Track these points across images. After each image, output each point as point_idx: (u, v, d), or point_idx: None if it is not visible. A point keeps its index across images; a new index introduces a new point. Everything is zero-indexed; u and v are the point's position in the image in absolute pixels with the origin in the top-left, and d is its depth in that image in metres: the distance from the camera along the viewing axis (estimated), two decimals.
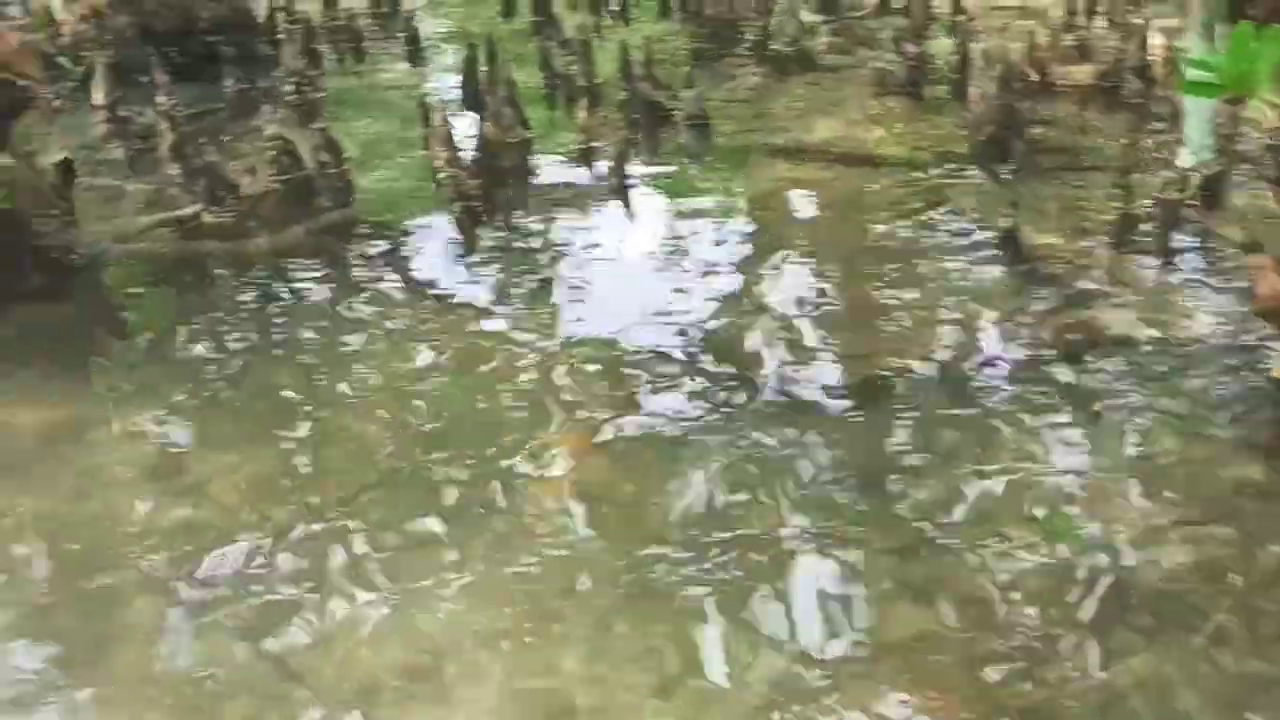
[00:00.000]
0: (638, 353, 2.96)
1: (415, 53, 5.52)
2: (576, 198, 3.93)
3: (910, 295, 3.19)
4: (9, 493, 2.55)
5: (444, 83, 5.14)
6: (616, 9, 5.89)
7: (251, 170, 4.07)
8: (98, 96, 4.66)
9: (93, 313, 3.36)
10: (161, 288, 3.50)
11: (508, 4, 6.26)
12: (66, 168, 3.43)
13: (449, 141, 3.87)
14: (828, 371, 2.87)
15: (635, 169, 3.97)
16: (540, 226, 3.73)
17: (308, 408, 2.84)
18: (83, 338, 3.25)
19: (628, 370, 2.89)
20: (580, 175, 4.09)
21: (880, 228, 3.61)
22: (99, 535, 2.42)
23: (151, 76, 4.80)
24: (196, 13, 5.34)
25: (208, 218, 3.75)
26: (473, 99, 4.76)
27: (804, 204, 3.89)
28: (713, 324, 3.10)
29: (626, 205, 3.83)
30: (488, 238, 3.67)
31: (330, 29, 5.98)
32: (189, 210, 3.83)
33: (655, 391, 2.79)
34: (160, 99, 4.70)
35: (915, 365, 2.84)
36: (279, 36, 5.73)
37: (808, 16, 5.34)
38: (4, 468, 2.65)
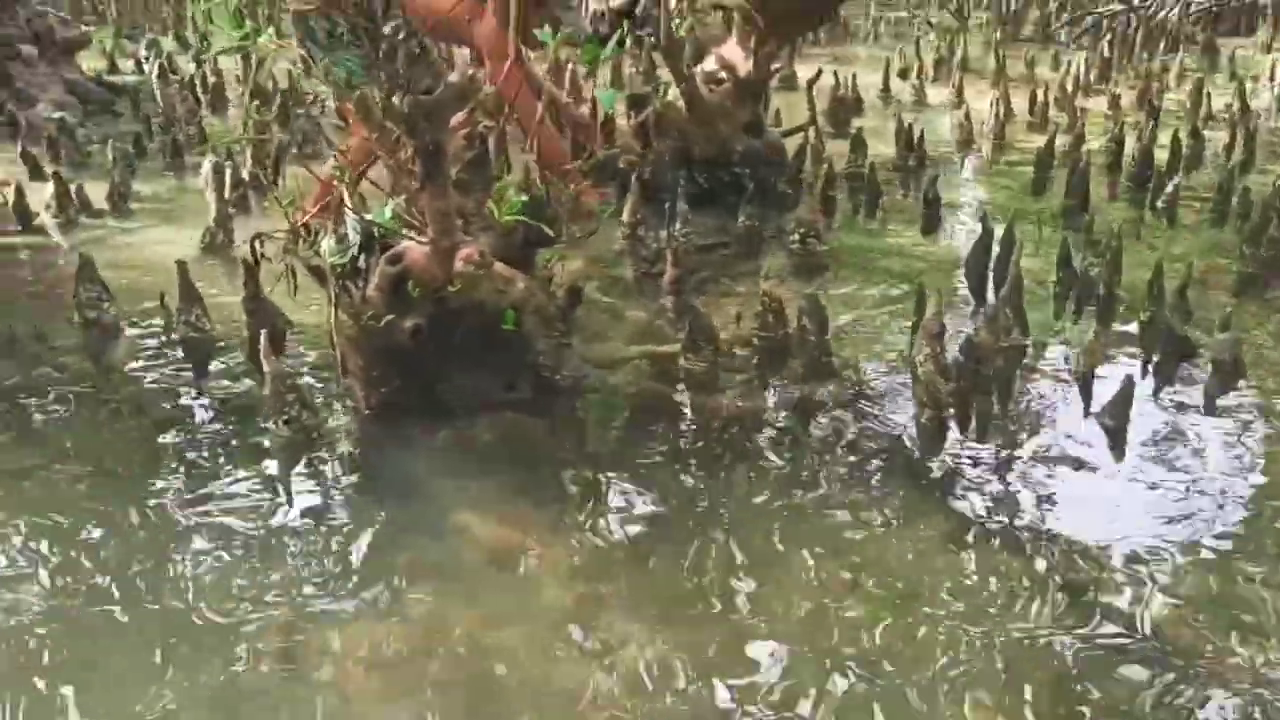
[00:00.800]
0: (1099, 641, 2.59)
1: (931, 218, 5.38)
2: (1062, 426, 3.56)
3: None
4: (452, 602, 2.74)
5: (952, 258, 4.95)
6: (1163, 204, 5.36)
7: (737, 320, 4.15)
8: (625, 214, 4.99)
9: (565, 435, 3.54)
10: (632, 423, 3.60)
11: (1040, 179, 5.96)
12: (574, 294, 3.66)
13: (936, 338, 3.66)
14: None
15: (1139, 409, 3.53)
16: (1011, 452, 3.41)
17: (733, 586, 2.77)
18: (550, 458, 3.42)
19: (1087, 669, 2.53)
20: (1074, 400, 3.70)
21: None
22: (509, 670, 2.49)
23: (673, 201, 5.08)
24: (733, 145, 5.58)
25: (684, 361, 3.85)
26: (978, 286, 4.53)
27: None
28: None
29: (1117, 452, 3.40)
30: (952, 449, 3.41)
31: (850, 176, 6.04)
32: (668, 350, 3.97)
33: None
34: (676, 227, 4.96)
35: None
36: (801, 176, 5.89)
37: None
38: (453, 574, 2.86)
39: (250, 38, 3.18)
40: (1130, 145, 6.18)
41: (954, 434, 3.46)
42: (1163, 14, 10.44)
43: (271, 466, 3.33)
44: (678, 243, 4.69)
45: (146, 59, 9.75)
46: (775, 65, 5.46)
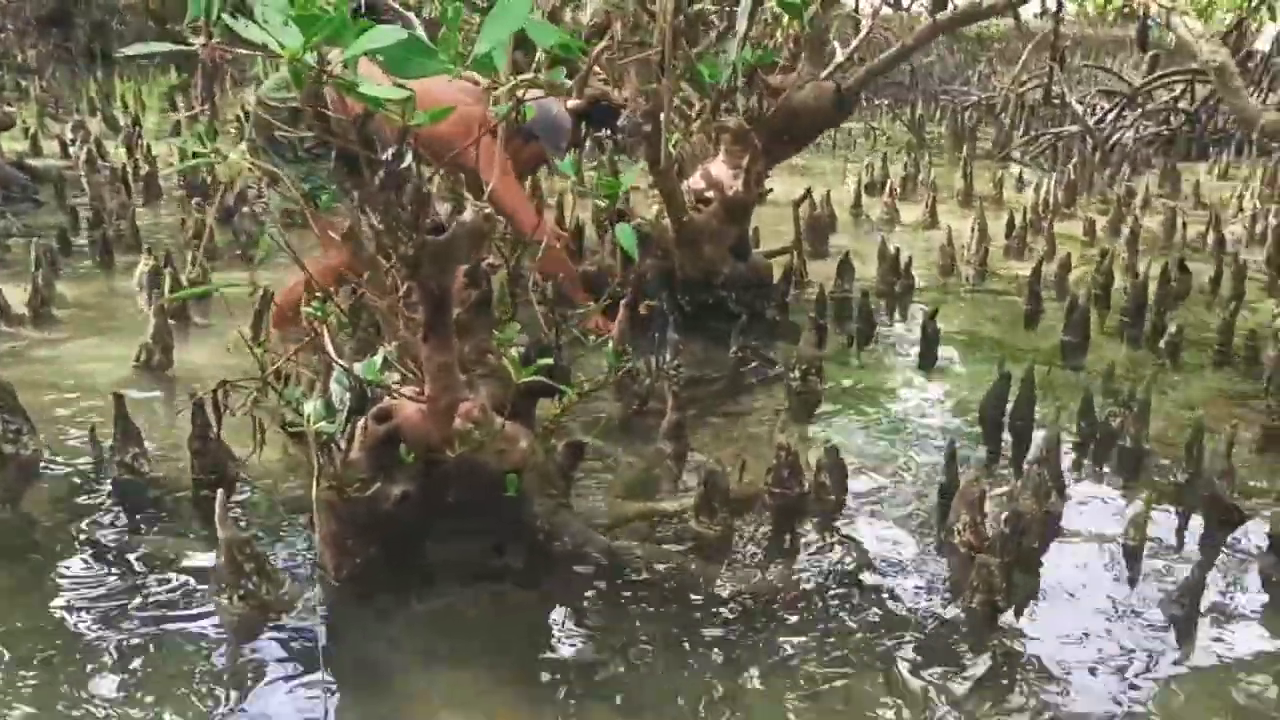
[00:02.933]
0: None
1: (929, 353, 5.08)
2: (1106, 607, 3.20)
3: None
4: None
5: (957, 400, 4.64)
6: (1165, 345, 5.13)
7: (740, 471, 3.76)
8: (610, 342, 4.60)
9: (560, 612, 3.09)
10: (636, 598, 3.15)
11: (1032, 311, 5.73)
12: (575, 450, 3.24)
13: (975, 505, 3.32)
14: None
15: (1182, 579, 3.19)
16: (1064, 644, 3.03)
17: None
18: (543, 641, 2.97)
19: None
20: (1119, 575, 3.36)
21: None
22: None
23: (664, 329, 4.72)
24: (719, 268, 5.26)
25: (695, 524, 3.44)
26: (993, 434, 4.22)
27: None
28: None
29: (1184, 643, 3.05)
30: (1007, 644, 3.01)
31: (839, 301, 5.76)
32: (673, 507, 3.56)
33: None
34: (667, 358, 4.59)
35: None
36: (787, 302, 5.58)
37: None
38: None
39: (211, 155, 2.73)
40: (1118, 278, 6.02)
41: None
42: (1116, 136, 10.55)
43: (219, 649, 2.83)
44: (671, 378, 4.32)
45: (73, 142, 9.22)
46: (764, 189, 5.15)
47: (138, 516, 3.43)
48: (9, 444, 3.68)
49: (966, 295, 6.23)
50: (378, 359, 2.63)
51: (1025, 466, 3.56)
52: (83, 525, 3.36)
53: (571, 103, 6.48)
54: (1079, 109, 11.27)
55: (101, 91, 12.63)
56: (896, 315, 5.78)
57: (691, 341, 5.03)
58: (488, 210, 2.51)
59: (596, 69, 6.31)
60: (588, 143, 8.83)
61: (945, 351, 5.17)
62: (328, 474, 2.68)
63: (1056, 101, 12.15)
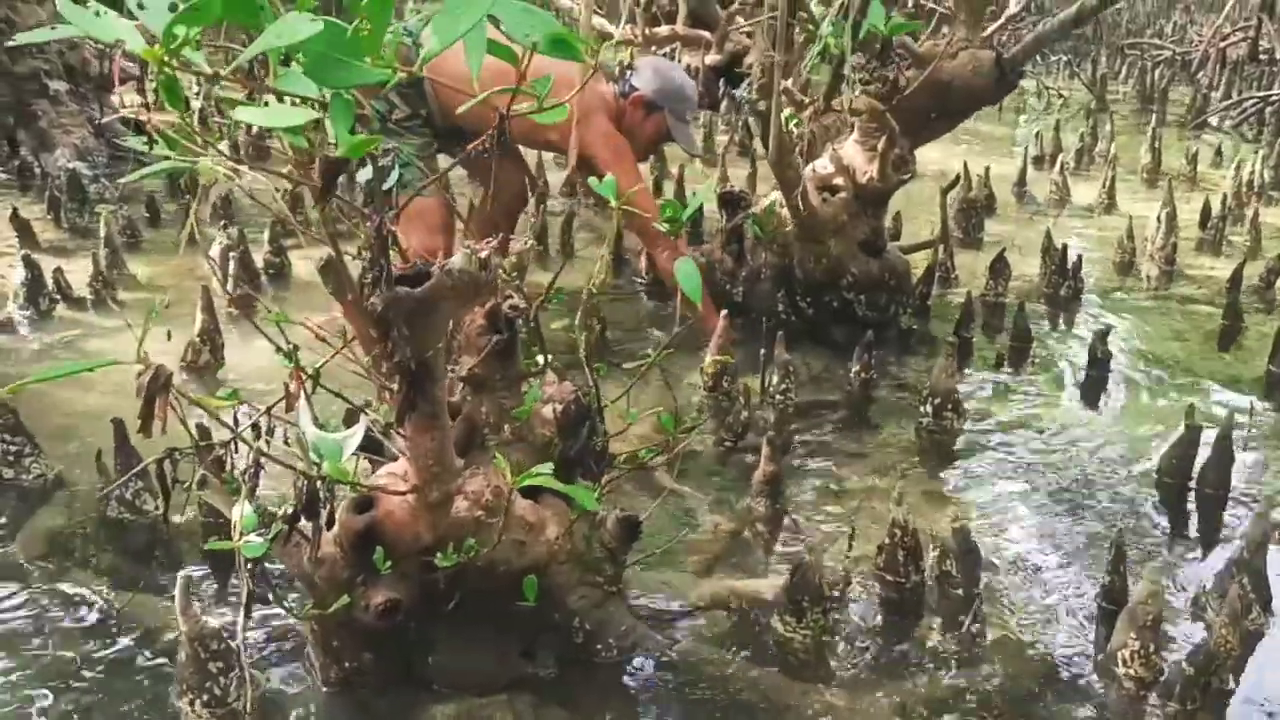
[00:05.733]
0: None
1: (1097, 383, 4.21)
2: None
3: None
4: None
5: (1128, 446, 3.77)
6: None
7: (849, 543, 3.04)
8: (708, 355, 3.91)
9: None
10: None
11: (1230, 329, 4.75)
12: (628, 528, 2.58)
13: (1149, 633, 2.53)
14: None
15: None
16: None
17: None
18: None
19: None
20: None
21: None
22: None
23: (770, 346, 3.99)
24: (846, 266, 4.48)
25: (779, 625, 2.74)
26: (1173, 499, 3.37)
27: None
28: None
29: None
30: None
31: (990, 307, 4.91)
32: (755, 589, 2.88)
33: None
34: (773, 380, 3.88)
35: None
36: (929, 306, 4.78)
37: None
38: None
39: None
40: None
41: None
42: None
43: None
44: (775, 407, 3.61)
45: (197, 95, 8.95)
46: (905, 174, 4.34)
47: (124, 568, 2.95)
48: (8, 468, 3.26)
49: (1148, 302, 5.26)
50: (349, 435, 2.02)
51: (1219, 571, 2.73)
52: (66, 572, 2.90)
53: (710, 58, 5.76)
54: None
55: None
56: (1060, 327, 4.88)
57: (810, 355, 4.30)
58: (485, 253, 1.86)
59: (739, 18, 5.59)
60: (724, 104, 8.11)
61: (1118, 378, 4.28)
62: (294, 567, 2.10)
63: (1265, 58, 10.68)
